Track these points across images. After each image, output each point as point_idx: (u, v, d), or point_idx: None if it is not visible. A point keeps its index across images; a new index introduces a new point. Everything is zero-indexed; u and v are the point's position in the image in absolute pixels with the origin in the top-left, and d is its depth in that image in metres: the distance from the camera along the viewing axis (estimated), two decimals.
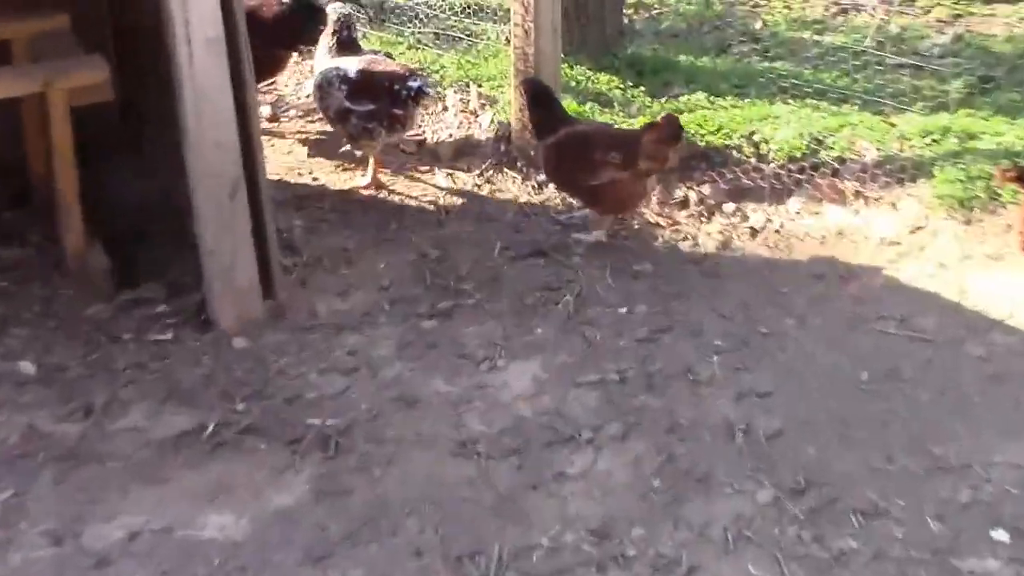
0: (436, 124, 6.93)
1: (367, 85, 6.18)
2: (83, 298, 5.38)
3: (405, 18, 8.15)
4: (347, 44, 6.43)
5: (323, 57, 6.44)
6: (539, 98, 5.90)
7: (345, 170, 6.60)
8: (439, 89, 6.74)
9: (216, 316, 5.13)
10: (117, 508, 4.09)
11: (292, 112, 7.40)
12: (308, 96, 7.40)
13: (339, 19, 6.46)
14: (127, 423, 4.54)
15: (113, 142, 6.37)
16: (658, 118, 5.68)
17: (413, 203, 6.25)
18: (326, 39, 6.48)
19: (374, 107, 6.16)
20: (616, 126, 6.16)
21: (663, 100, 6.85)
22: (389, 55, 6.95)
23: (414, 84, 6.15)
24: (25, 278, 5.40)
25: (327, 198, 6.31)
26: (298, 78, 7.77)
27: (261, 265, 5.17)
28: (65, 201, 5.50)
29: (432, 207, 6.19)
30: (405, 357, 4.91)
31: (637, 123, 6.51)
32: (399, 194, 6.34)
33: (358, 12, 7.11)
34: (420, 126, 6.82)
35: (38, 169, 6.02)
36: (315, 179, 6.53)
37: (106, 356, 4.97)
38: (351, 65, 6.26)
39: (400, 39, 7.93)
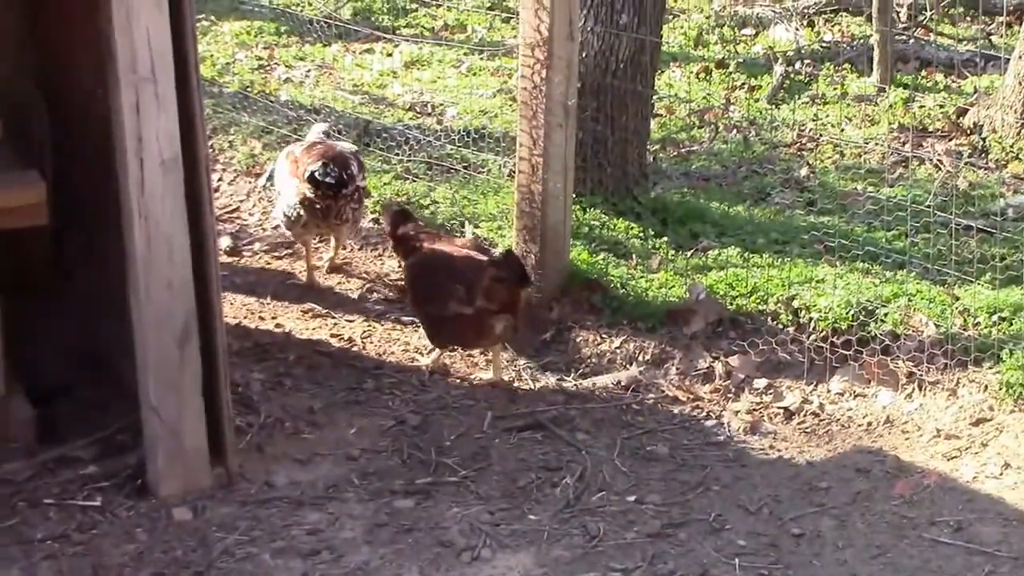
0: None
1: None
2: (0, 453, 5.49)
3: (393, 143, 8.38)
4: None
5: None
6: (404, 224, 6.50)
7: (315, 316, 6.76)
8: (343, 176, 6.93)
9: (155, 482, 5.24)
10: None
11: (256, 245, 7.58)
12: (275, 227, 7.60)
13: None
14: None
15: (42, 275, 6.54)
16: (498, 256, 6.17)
17: (392, 359, 6.40)
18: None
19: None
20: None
21: (689, 253, 7.04)
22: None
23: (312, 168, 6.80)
24: None
25: (292, 348, 6.46)
26: (264, 206, 7.97)
27: (211, 425, 5.29)
28: None
29: (414, 365, 6.34)
30: (375, 541, 5.01)
31: (658, 278, 6.71)
32: (377, 348, 6.49)
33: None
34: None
35: None
36: (279, 325, 6.69)
37: (23, 523, 5.07)
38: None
39: (386, 167, 8.15)
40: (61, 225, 6.20)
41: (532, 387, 6.20)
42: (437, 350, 6.33)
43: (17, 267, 5.90)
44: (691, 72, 10.15)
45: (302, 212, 6.89)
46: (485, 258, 6.17)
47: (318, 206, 6.86)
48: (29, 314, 6.08)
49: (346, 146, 7.29)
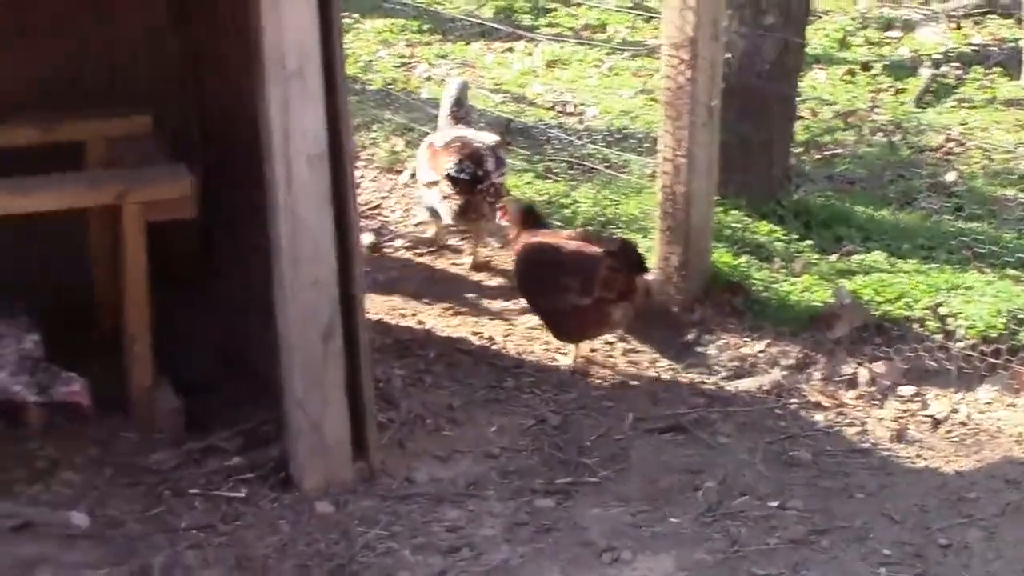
0: None
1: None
2: (146, 443, 5.60)
3: (535, 142, 8.42)
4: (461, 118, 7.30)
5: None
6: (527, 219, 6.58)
7: (456, 314, 6.81)
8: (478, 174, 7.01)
9: (298, 475, 5.31)
10: None
11: (398, 242, 7.65)
12: (416, 224, 7.68)
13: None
14: None
15: (189, 269, 6.65)
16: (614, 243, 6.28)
17: (532, 358, 6.42)
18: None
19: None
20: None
21: (833, 258, 7.00)
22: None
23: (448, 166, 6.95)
24: (81, 416, 5.61)
25: (433, 345, 6.51)
26: (406, 202, 8.03)
27: (354, 420, 5.35)
28: (134, 331, 5.75)
29: (553, 365, 6.36)
30: (515, 540, 5.05)
31: (801, 282, 6.68)
32: (517, 346, 6.52)
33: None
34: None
35: (104, 292, 6.29)
36: (420, 323, 6.74)
37: (168, 512, 5.17)
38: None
39: (528, 166, 8.19)
40: (208, 220, 6.32)
41: (673, 389, 6.19)
42: (573, 347, 6.36)
43: (164, 261, 5.99)
44: (835, 74, 10.07)
45: (440, 208, 7.05)
46: (599, 249, 6.22)
47: (456, 203, 6.98)
48: (175, 308, 6.19)
49: (486, 138, 7.33)
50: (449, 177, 6.98)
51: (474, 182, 6.95)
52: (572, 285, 6.15)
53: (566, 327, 6.31)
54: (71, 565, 4.83)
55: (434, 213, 7.21)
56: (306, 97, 5.10)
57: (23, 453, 5.47)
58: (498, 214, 6.88)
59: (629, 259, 6.15)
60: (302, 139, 5.14)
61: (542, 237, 6.46)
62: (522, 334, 6.63)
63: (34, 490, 5.28)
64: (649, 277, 6.42)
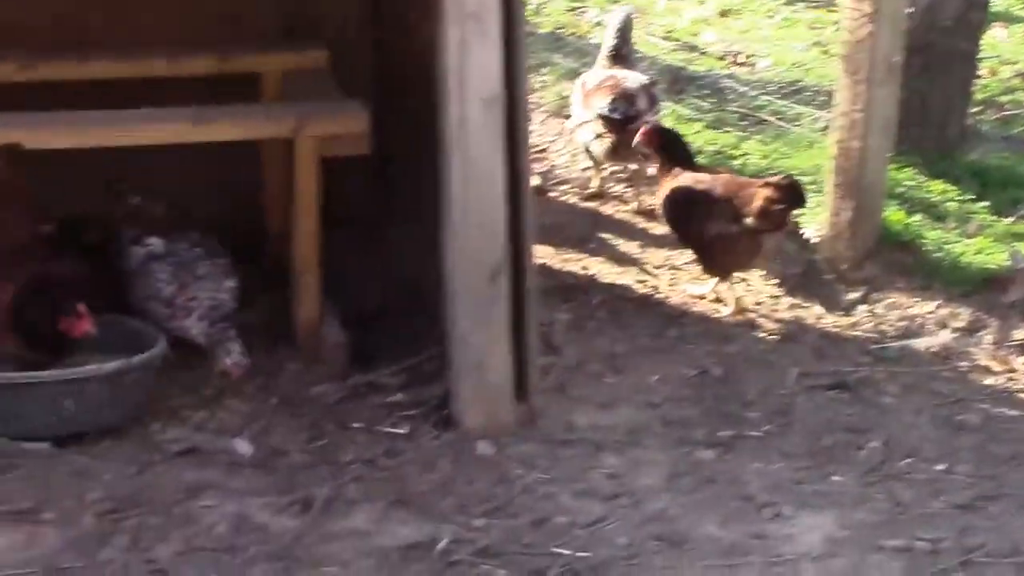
0: None
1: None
2: (311, 375, 5.66)
3: (706, 92, 8.35)
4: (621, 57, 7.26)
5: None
6: (666, 143, 6.52)
7: (621, 260, 6.78)
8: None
9: (460, 414, 5.34)
10: None
11: (564, 186, 7.63)
12: (583, 169, 7.65)
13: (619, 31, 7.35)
14: (349, 525, 4.76)
15: (363, 206, 6.70)
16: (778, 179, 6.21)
17: (697, 308, 6.38)
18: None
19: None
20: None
21: (1010, 220, 6.87)
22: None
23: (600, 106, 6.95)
24: (248, 345, 5.67)
25: (596, 291, 6.49)
26: (573, 147, 8.00)
27: (517, 363, 5.36)
28: (303, 265, 5.81)
29: (719, 316, 6.32)
30: (674, 489, 5.03)
31: (975, 243, 6.56)
32: (681, 296, 6.49)
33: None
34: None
35: (275, 225, 6.36)
36: (584, 267, 6.73)
37: (332, 445, 5.22)
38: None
39: (698, 116, 8.12)
40: (382, 158, 6.35)
41: (839, 346, 6.11)
42: (723, 284, 6.36)
43: (340, 198, 6.03)
44: (1017, 33, 9.85)
45: (593, 147, 7.13)
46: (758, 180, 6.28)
47: (608, 141, 7.02)
48: (346, 243, 6.24)
49: (637, 77, 7.28)
50: (600, 116, 6.99)
51: (626, 121, 6.92)
52: (723, 212, 6.16)
53: (718, 258, 6.30)
54: (235, 492, 4.90)
55: (588, 152, 7.25)
56: (484, 39, 5.10)
57: (191, 380, 5.55)
58: (637, 137, 6.79)
59: (789, 192, 6.10)
60: (478, 81, 5.14)
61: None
62: (687, 283, 6.58)
63: (200, 417, 5.36)
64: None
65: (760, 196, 6.10)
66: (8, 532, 4.63)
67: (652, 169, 6.83)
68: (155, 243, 5.67)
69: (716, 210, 6.19)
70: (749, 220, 6.10)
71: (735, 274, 6.41)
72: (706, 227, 6.21)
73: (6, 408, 5.10)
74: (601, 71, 7.35)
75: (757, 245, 6.19)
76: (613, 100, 6.99)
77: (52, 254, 5.51)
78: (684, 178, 6.37)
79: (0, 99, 6.09)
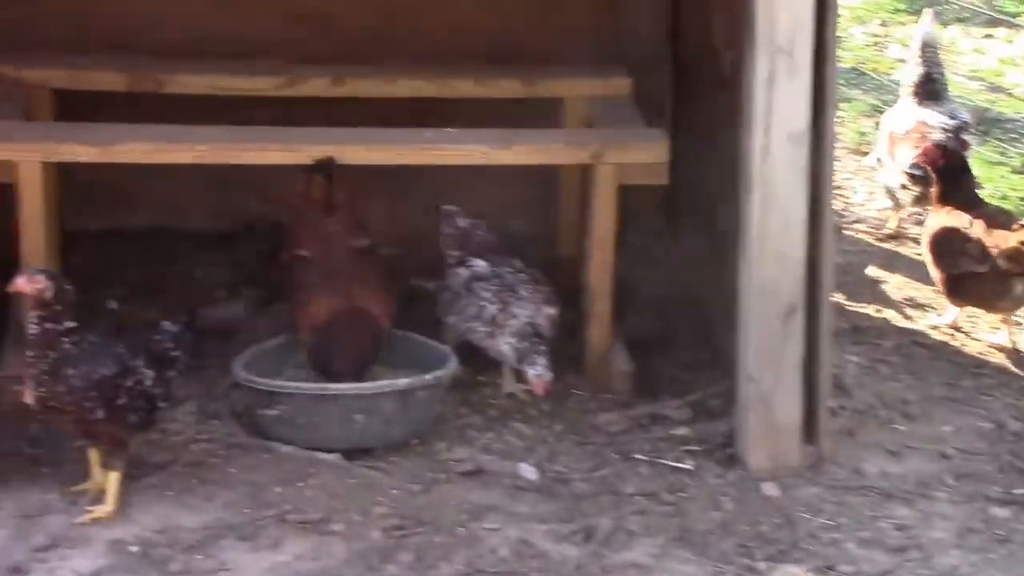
0: None
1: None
2: (596, 402, 5.66)
3: (1013, 135, 8.12)
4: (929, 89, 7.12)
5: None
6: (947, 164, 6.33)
7: (916, 304, 6.63)
8: None
9: (744, 453, 5.26)
10: None
11: (859, 225, 7.50)
12: (880, 209, 7.50)
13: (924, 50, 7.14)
14: (630, 558, 4.73)
15: (645, 231, 6.68)
16: None
17: (995, 359, 6.20)
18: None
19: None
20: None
21: None
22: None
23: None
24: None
25: (889, 334, 6.36)
26: (870, 186, 7.87)
27: (806, 403, 5.26)
28: (596, 292, 5.80)
29: (1018, 368, 6.13)
30: (966, 546, 4.87)
31: None
32: (977, 345, 6.31)
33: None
34: None
35: (566, 249, 6.38)
36: (877, 309, 6.60)
37: (615, 475, 5.20)
38: None
39: (1003, 160, 7.90)
40: (673, 182, 6.30)
41: None
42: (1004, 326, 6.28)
43: (626, 222, 6.02)
44: None
45: (899, 194, 7.05)
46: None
47: (914, 194, 6.94)
48: (635, 269, 6.23)
49: (946, 120, 7.02)
50: (907, 173, 6.89)
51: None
52: (971, 251, 6.07)
53: (962, 291, 6.20)
54: (518, 516, 4.91)
55: (891, 195, 7.15)
56: (793, 74, 5.03)
57: (479, 401, 5.59)
58: (913, 154, 6.64)
59: None
60: (784, 114, 5.07)
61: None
62: (985, 332, 6.40)
63: (486, 438, 5.40)
64: None
65: (1014, 239, 5.98)
66: (298, 541, 4.71)
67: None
68: (479, 265, 5.69)
69: (968, 248, 6.09)
70: (999, 261, 5.99)
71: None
72: (955, 263, 6.15)
73: (301, 417, 5.19)
74: (909, 110, 7.14)
75: (1005, 287, 6.06)
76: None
77: (360, 270, 5.57)
78: (945, 217, 6.25)
79: (302, 113, 6.27)
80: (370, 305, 5.47)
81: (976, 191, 6.50)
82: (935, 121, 7.01)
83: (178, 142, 5.67)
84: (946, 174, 6.34)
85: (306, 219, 5.63)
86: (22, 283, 4.61)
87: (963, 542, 4.90)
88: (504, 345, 5.47)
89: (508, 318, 5.45)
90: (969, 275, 6.12)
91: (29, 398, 4.69)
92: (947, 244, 6.20)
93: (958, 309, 6.34)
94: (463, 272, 5.69)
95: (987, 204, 6.53)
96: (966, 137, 7.01)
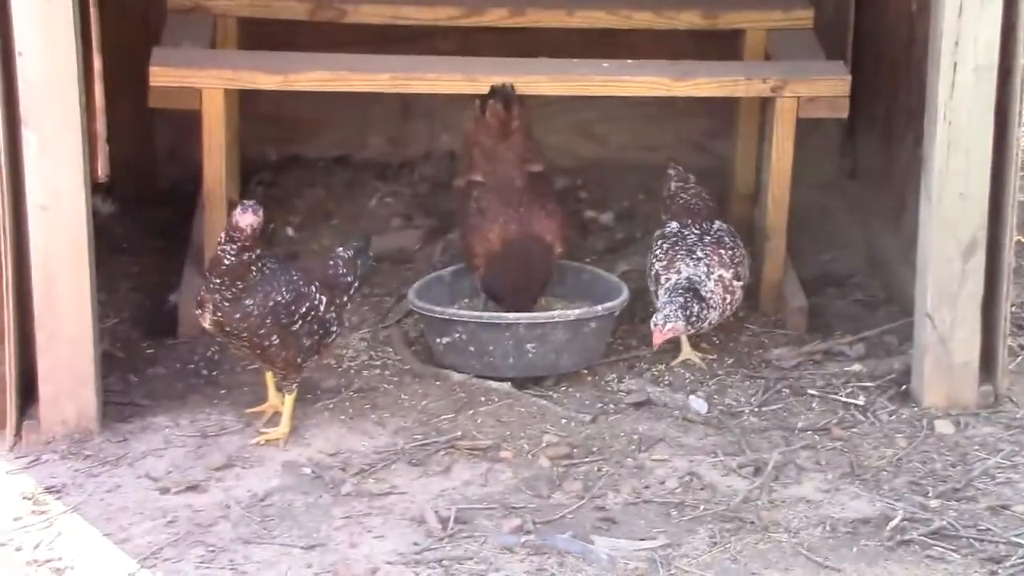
0: None
1: None
2: (769, 338, 5.60)
3: None
4: None
5: None
6: None
7: None
8: None
9: (919, 390, 5.17)
10: None
11: None
12: None
13: None
14: (799, 492, 4.67)
15: (824, 168, 6.58)
16: None
17: None
18: None
19: None
20: None
21: None
22: None
23: None
24: None
25: None
26: None
27: (984, 342, 5.15)
28: (772, 228, 5.75)
29: None
30: None
31: None
32: None
33: None
34: None
35: (742, 185, 6.29)
36: None
37: (786, 410, 5.15)
38: None
39: None
40: (852, 119, 6.19)
41: None
42: None
43: (805, 159, 5.92)
44: None
45: None
46: None
47: None
48: (813, 207, 6.15)
49: None
50: None
51: None
52: None
53: None
54: (687, 448, 4.88)
55: None
56: (984, 4, 4.88)
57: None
58: None
59: None
60: (972, 47, 4.92)
61: None
62: None
63: (657, 370, 5.37)
64: None
65: None
66: (468, 467, 4.74)
67: None
68: (670, 226, 5.56)
69: None
70: None
71: None
72: None
73: (473, 345, 5.20)
74: None
75: None
76: None
77: (535, 197, 5.55)
78: None
79: (482, 43, 6.26)
80: (544, 231, 5.45)
81: None
82: None
83: (358, 71, 5.68)
84: None
85: (481, 145, 5.61)
86: (244, 217, 4.63)
87: None
88: (659, 300, 5.32)
89: (671, 275, 5.34)
90: None
91: (207, 322, 4.74)
92: None
93: None
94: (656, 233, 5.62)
95: None
96: None
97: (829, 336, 5.64)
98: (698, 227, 5.49)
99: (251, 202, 4.66)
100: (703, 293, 5.24)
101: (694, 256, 5.33)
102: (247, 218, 4.60)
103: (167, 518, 4.39)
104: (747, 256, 5.51)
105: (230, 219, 4.65)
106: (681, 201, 5.65)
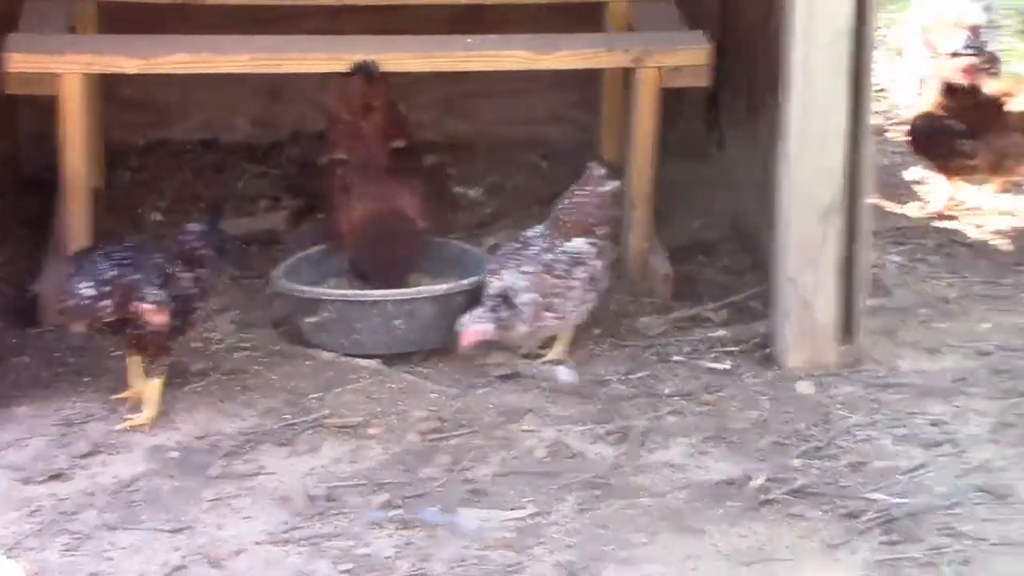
0: None
1: None
2: (636, 307, 5.62)
3: None
4: None
5: None
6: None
7: (958, 203, 6.53)
8: None
9: (782, 353, 5.21)
10: (640, 553, 4.22)
11: (904, 127, 7.36)
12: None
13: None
14: (665, 457, 4.69)
15: (689, 138, 6.61)
16: None
17: None
18: None
19: None
20: None
21: None
22: None
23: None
24: None
25: (931, 234, 6.29)
26: (914, 87, 7.72)
27: (844, 304, 5.20)
28: (636, 197, 5.74)
29: None
30: (1001, 441, 4.80)
31: None
32: (1019, 242, 6.22)
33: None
34: None
35: (608, 155, 6.30)
36: (921, 207, 6.51)
37: (652, 377, 5.16)
38: None
39: None
40: (716, 89, 6.21)
41: None
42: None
43: (670, 129, 5.95)
44: None
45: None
46: None
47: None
48: (679, 177, 6.16)
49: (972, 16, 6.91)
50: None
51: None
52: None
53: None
54: (555, 418, 4.89)
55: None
56: None
57: None
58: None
59: None
60: (826, 14, 4.97)
61: None
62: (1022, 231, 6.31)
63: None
64: None
65: None
66: (337, 445, 4.71)
67: None
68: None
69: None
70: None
71: None
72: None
73: (341, 323, 5.18)
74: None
75: None
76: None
77: (399, 174, 5.53)
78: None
79: (348, 21, 6.22)
80: (408, 207, 5.43)
81: None
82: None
83: (220, 53, 5.63)
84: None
85: (343, 123, 5.58)
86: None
87: (998, 437, 4.83)
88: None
89: (494, 280, 5.17)
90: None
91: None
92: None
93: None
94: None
95: None
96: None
97: (696, 303, 5.66)
98: (549, 242, 5.30)
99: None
100: (515, 302, 5.12)
101: (522, 270, 5.18)
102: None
103: (31, 508, 4.32)
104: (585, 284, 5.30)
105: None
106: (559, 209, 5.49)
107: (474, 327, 5.08)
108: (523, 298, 5.12)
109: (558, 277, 5.20)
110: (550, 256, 5.23)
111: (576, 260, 5.26)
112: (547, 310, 5.17)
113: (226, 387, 5.02)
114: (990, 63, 6.58)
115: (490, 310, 5.09)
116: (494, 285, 5.15)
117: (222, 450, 4.65)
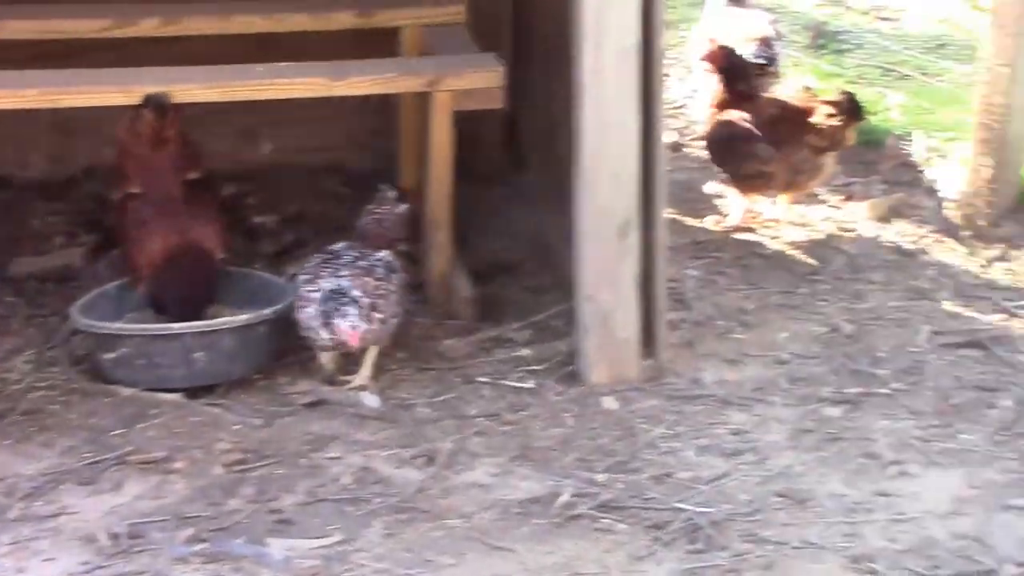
0: (868, 175, 6.91)
1: None
2: (440, 330, 5.63)
3: (848, 47, 8.16)
4: None
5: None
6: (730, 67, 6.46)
7: (756, 216, 6.64)
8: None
9: (585, 370, 5.26)
10: (448, 574, 4.24)
11: (701, 143, 7.48)
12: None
13: None
14: (472, 478, 4.71)
15: (495, 162, 6.65)
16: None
17: (831, 267, 6.22)
18: None
19: None
20: None
21: None
22: None
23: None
24: None
25: (728, 247, 6.39)
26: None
27: (644, 318, 5.27)
28: (436, 218, 5.76)
29: (851, 274, 6.16)
30: (800, 447, 4.90)
31: None
32: (813, 253, 6.34)
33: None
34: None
35: (408, 179, 6.32)
36: (718, 221, 6.61)
37: (457, 399, 5.18)
38: None
39: (839, 71, 7.94)
40: (515, 111, 6.27)
41: (974, 304, 5.92)
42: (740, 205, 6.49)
43: (471, 153, 5.98)
44: None
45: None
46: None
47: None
48: (481, 199, 6.18)
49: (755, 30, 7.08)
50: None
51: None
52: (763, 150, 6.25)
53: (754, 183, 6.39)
54: (360, 444, 4.88)
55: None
56: None
57: None
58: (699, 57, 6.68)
59: (847, 107, 6.17)
60: (615, 31, 5.04)
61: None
62: (818, 243, 6.43)
63: (329, 370, 5.35)
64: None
65: (820, 113, 6.16)
66: (140, 481, 4.66)
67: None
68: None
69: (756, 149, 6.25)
70: (811, 139, 6.18)
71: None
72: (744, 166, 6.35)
73: (141, 358, 5.12)
74: (719, 17, 7.18)
75: (818, 166, 6.27)
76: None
77: (193, 205, 5.48)
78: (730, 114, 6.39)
79: (144, 54, 6.15)
80: (203, 239, 5.39)
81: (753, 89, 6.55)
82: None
83: (5, 87, 5.53)
84: (727, 73, 6.46)
85: (135, 156, 5.52)
86: None
87: (796, 443, 4.93)
88: (306, 316, 5.14)
89: (313, 291, 5.14)
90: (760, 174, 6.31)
91: None
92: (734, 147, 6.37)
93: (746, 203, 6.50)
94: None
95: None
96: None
97: (499, 324, 5.69)
98: (359, 251, 5.31)
99: None
100: (355, 295, 5.12)
101: (339, 275, 5.17)
102: None
103: None
104: (400, 294, 5.32)
105: None
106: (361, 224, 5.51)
107: (362, 325, 5.05)
108: (355, 293, 5.10)
109: (379, 279, 5.21)
110: (366, 262, 5.24)
111: (390, 268, 5.28)
112: (374, 310, 5.14)
113: (23, 428, 4.94)
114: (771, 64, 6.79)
115: (347, 305, 5.05)
116: (323, 287, 5.11)
117: (20, 492, 4.56)
